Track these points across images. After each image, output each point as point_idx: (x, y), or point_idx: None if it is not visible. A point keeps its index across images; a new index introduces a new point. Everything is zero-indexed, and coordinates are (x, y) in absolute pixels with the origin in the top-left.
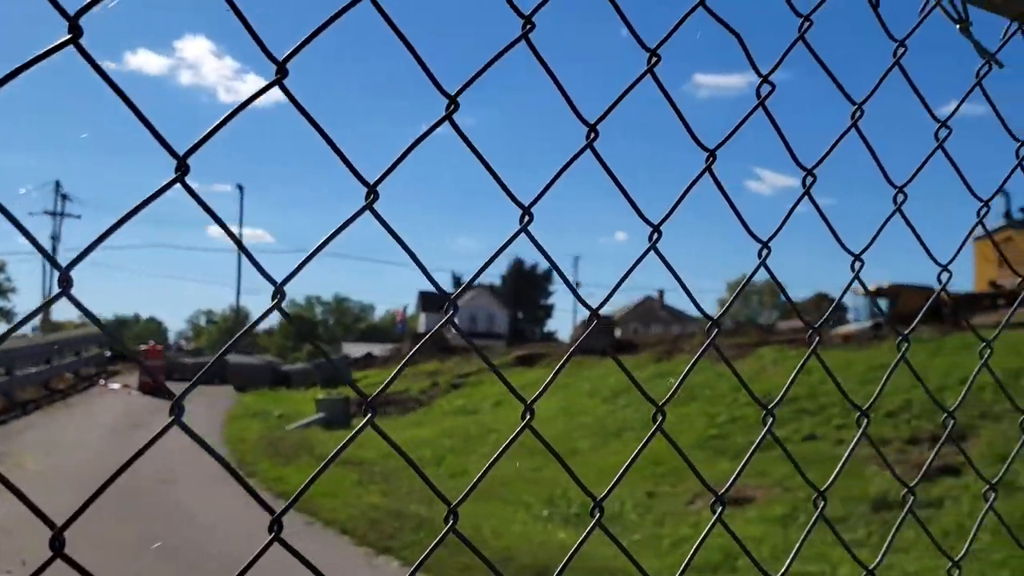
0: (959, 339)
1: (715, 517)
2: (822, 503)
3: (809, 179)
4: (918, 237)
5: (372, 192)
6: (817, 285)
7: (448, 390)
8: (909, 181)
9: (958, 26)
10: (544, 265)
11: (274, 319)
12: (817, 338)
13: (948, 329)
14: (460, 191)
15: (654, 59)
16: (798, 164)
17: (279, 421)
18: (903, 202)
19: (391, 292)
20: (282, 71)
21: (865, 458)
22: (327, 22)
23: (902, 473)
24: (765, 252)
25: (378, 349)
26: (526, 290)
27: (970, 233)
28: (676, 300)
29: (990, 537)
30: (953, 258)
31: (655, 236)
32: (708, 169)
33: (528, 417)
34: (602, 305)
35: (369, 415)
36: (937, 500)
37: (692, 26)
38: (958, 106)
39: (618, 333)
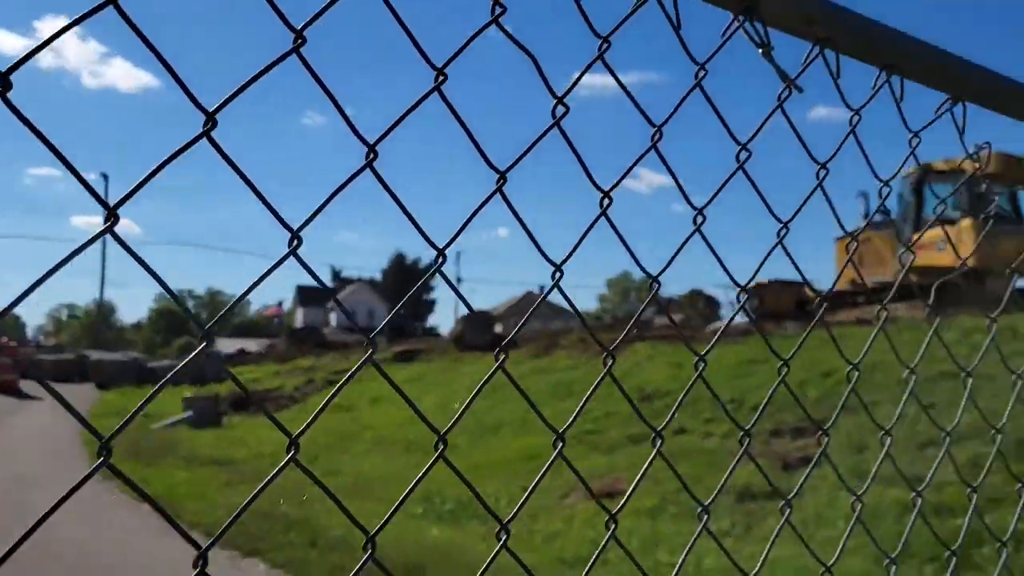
0: (820, 335)
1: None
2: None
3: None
4: (716, 254)
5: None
6: (694, 282)
7: (324, 386)
8: (708, 204)
9: (760, 50)
10: (426, 260)
11: (143, 311)
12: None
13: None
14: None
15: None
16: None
17: (143, 420)
18: (702, 223)
19: (267, 287)
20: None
21: (732, 450)
22: None
23: (769, 464)
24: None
25: (253, 345)
26: (407, 285)
27: (770, 252)
28: (556, 296)
29: (843, 524)
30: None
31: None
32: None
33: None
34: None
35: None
36: (798, 490)
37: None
38: (757, 130)
39: (498, 328)
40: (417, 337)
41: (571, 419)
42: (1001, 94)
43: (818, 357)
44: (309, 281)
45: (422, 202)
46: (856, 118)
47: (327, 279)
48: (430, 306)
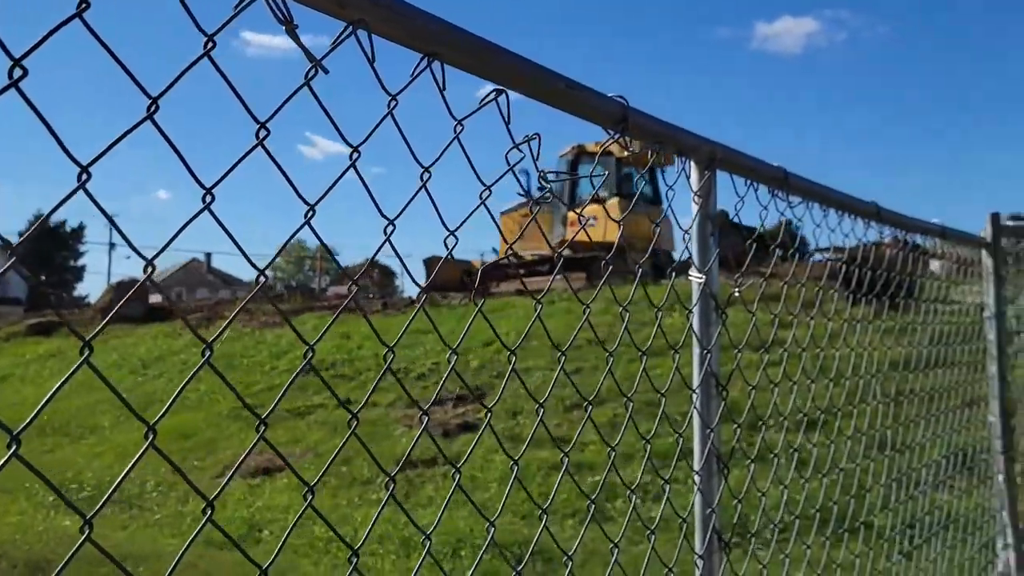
0: (485, 305)
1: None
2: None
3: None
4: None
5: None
6: (368, 251)
7: None
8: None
9: (285, 28)
10: (73, 222)
11: None
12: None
13: (476, 296)
14: None
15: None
16: (345, 141)
17: None
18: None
19: None
20: None
21: (396, 419)
22: None
23: (430, 431)
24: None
25: None
26: (51, 250)
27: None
28: (225, 263)
29: (496, 486)
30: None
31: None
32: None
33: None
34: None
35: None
36: (457, 456)
37: None
38: (279, 108)
39: (157, 298)
40: (62, 307)
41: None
42: (539, 82)
43: (480, 327)
44: None
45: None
46: (393, 103)
47: None
48: (78, 273)
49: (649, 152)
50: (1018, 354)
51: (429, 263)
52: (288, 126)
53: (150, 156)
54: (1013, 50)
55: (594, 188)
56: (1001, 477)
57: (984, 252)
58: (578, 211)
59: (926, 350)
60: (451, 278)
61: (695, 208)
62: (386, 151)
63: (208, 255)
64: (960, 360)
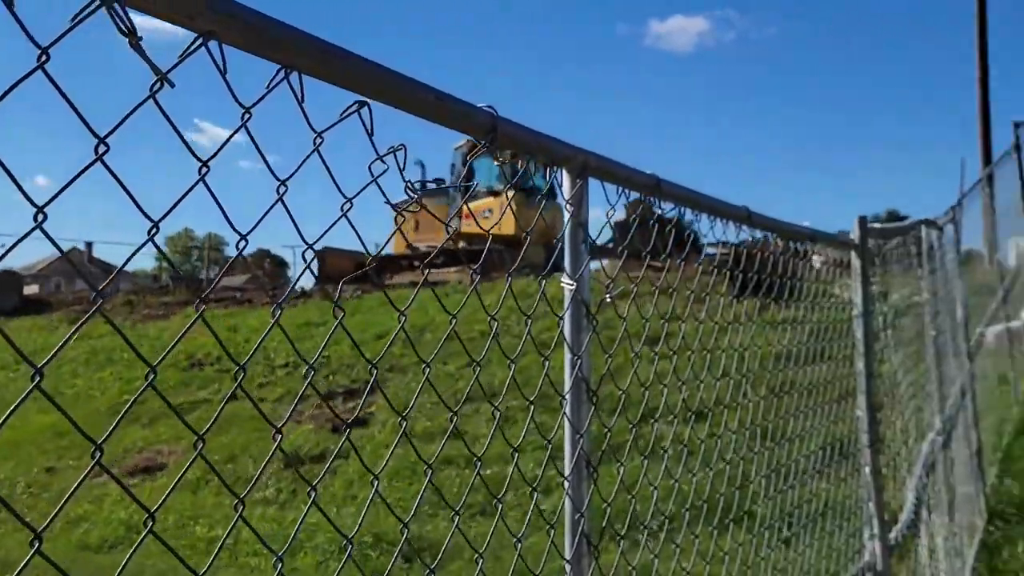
0: (377, 298)
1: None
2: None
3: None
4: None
5: None
6: (263, 241)
7: None
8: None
9: (128, 41)
10: None
11: None
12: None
13: (369, 288)
14: None
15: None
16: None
17: None
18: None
19: None
20: None
21: (279, 415)
22: None
23: (319, 427)
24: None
25: None
26: None
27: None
28: (107, 253)
29: (387, 482)
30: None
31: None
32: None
33: None
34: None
35: None
36: (346, 451)
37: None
38: (126, 118)
39: (34, 289)
40: None
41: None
42: (406, 94)
43: (373, 320)
44: None
45: None
46: (247, 115)
47: None
48: None
49: (520, 162)
50: (884, 350)
51: (322, 255)
52: (176, 114)
53: (32, 143)
54: (892, 54)
55: (476, 184)
56: (868, 469)
57: (853, 253)
58: (469, 204)
59: (805, 346)
60: (344, 268)
61: (567, 215)
62: (280, 140)
63: (89, 244)
64: (837, 355)
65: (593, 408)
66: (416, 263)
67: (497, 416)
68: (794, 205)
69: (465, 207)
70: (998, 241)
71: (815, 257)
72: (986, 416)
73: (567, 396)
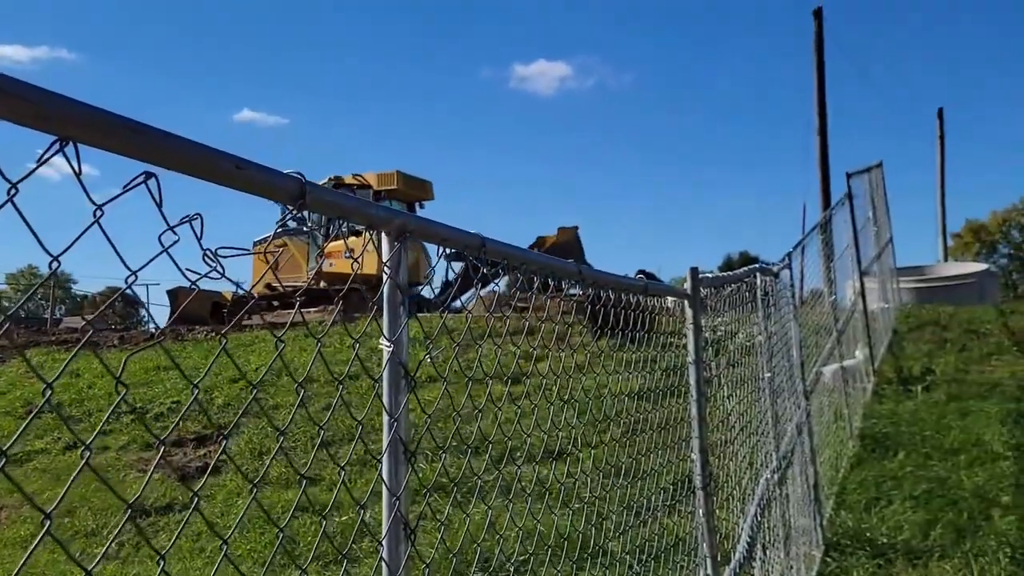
0: (233, 339)
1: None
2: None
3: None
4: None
5: None
6: (115, 279)
7: None
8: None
9: None
10: None
11: None
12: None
13: (227, 330)
14: None
15: None
16: None
17: None
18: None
19: None
20: None
21: (129, 463)
22: None
23: (165, 476)
24: None
25: None
26: None
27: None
28: None
29: (239, 533)
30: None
31: None
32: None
33: None
34: None
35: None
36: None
37: None
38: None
39: None
40: None
41: None
42: (203, 164)
43: (226, 362)
44: None
45: None
46: (13, 191)
47: None
48: None
49: (334, 225)
50: (723, 389)
51: (174, 294)
52: (22, 148)
53: None
54: (744, 100)
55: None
56: (701, 511)
57: (686, 303)
58: (325, 247)
59: (660, 381)
60: (200, 308)
61: (385, 278)
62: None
63: None
64: (685, 393)
65: (411, 470)
66: (276, 302)
67: (344, 462)
68: (671, 242)
69: (328, 246)
70: (836, 283)
71: (669, 297)
72: (823, 451)
73: (383, 458)
